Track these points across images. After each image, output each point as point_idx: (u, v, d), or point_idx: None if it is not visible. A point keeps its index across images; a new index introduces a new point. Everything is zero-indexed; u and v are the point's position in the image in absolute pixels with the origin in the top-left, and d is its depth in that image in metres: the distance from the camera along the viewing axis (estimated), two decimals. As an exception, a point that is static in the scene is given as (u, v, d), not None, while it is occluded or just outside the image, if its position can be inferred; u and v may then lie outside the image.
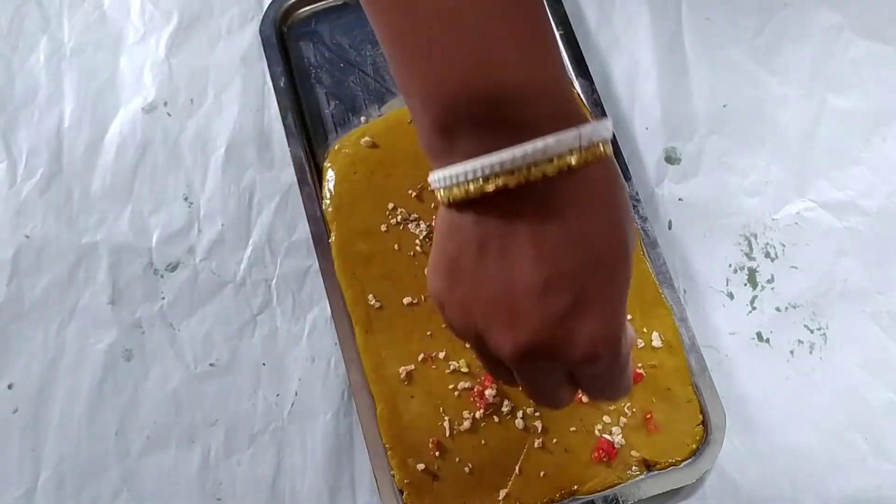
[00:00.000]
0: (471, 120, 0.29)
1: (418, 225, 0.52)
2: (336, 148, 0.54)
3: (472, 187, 0.29)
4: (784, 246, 0.53)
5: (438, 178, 0.31)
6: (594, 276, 0.30)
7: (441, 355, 0.49)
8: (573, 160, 0.29)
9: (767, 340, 0.51)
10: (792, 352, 0.51)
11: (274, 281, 0.53)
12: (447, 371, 0.49)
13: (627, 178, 0.53)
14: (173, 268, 0.53)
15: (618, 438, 0.48)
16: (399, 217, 0.52)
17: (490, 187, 0.29)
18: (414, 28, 0.29)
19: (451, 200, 0.30)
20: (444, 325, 0.50)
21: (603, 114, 0.55)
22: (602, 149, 0.30)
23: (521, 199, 0.29)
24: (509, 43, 0.29)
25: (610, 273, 0.31)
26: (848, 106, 0.56)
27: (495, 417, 0.48)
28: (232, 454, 0.50)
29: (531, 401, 0.38)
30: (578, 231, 0.30)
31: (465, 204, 0.30)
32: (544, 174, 0.28)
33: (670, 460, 0.48)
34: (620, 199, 0.31)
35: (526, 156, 0.28)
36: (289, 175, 0.55)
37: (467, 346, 0.36)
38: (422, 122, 0.31)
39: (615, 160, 0.31)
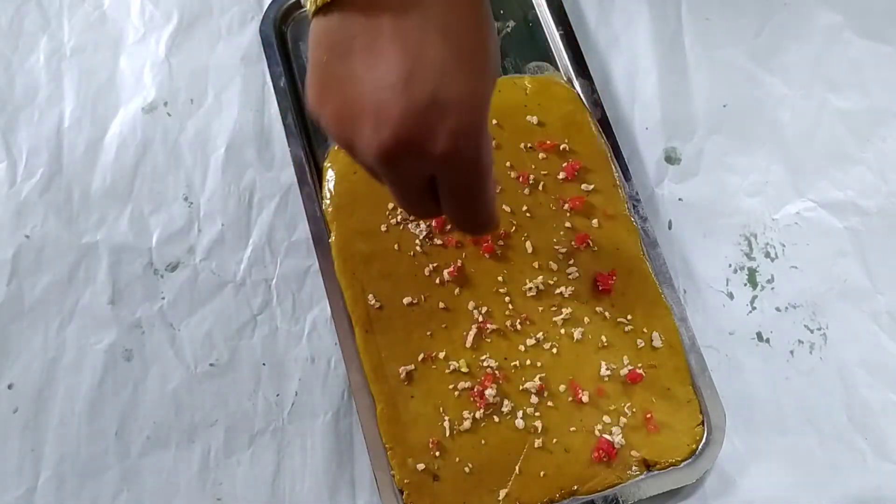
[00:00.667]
0: None
1: (418, 225, 0.52)
2: (336, 148, 0.54)
3: None
4: (784, 246, 0.53)
5: None
6: (456, 70, 0.31)
7: (441, 355, 0.49)
8: None
9: (767, 340, 0.51)
10: (792, 352, 0.51)
11: (274, 281, 0.53)
12: (447, 371, 0.49)
13: (627, 178, 0.53)
14: (173, 268, 0.53)
15: (618, 438, 0.48)
16: (399, 217, 0.52)
17: None
18: None
19: (317, 6, 0.31)
20: (444, 326, 0.50)
21: (603, 114, 0.55)
22: None
23: None
24: None
25: (471, 68, 0.31)
26: (848, 106, 0.56)
27: (495, 417, 0.48)
28: (232, 454, 0.50)
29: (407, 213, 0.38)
30: (441, 24, 0.30)
31: (329, 6, 0.31)
32: None
33: (670, 460, 0.48)
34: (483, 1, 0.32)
35: None
36: (289, 175, 0.55)
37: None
38: None
39: None
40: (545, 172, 0.53)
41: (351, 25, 0.31)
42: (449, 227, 0.52)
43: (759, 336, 0.52)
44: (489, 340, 0.50)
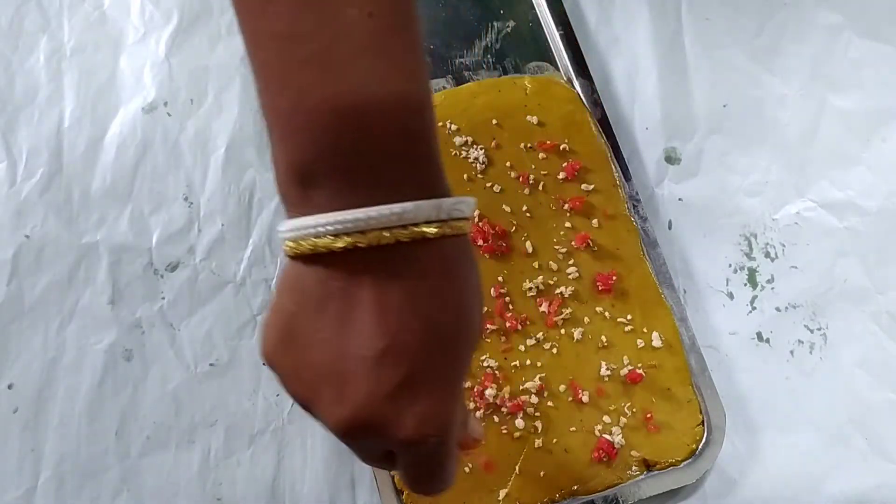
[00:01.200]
0: (330, 165, 0.27)
1: (418, 225, 0.52)
2: (336, 148, 0.54)
3: (320, 242, 0.28)
4: (784, 246, 0.53)
5: (288, 227, 0.29)
6: (433, 353, 0.29)
7: (441, 355, 0.49)
8: (430, 231, 0.28)
9: (767, 340, 0.51)
10: (792, 352, 0.51)
11: (274, 281, 0.53)
12: (447, 371, 0.49)
13: (627, 178, 0.53)
14: (173, 268, 0.53)
15: (618, 438, 0.48)
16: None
17: (339, 244, 0.27)
18: (272, 39, 0.29)
19: (297, 253, 0.29)
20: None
21: (603, 114, 0.55)
22: (460, 224, 0.29)
23: (370, 261, 0.28)
24: (377, 73, 0.27)
25: (449, 353, 0.30)
26: (848, 106, 0.56)
27: (495, 417, 0.48)
28: (232, 454, 0.50)
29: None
30: (424, 305, 0.29)
31: (311, 258, 0.28)
32: (398, 240, 0.27)
33: (670, 460, 0.48)
34: (472, 279, 0.30)
35: (382, 217, 0.27)
36: (289, 175, 0.54)
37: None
38: (279, 166, 0.29)
39: (470, 241, 0.31)
40: (545, 172, 0.53)
41: (329, 285, 0.29)
42: None
43: (759, 336, 0.52)
44: (489, 340, 0.50)
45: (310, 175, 0.28)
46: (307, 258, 0.29)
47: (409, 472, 0.33)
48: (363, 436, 0.30)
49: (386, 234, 0.27)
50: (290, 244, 0.29)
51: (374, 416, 0.29)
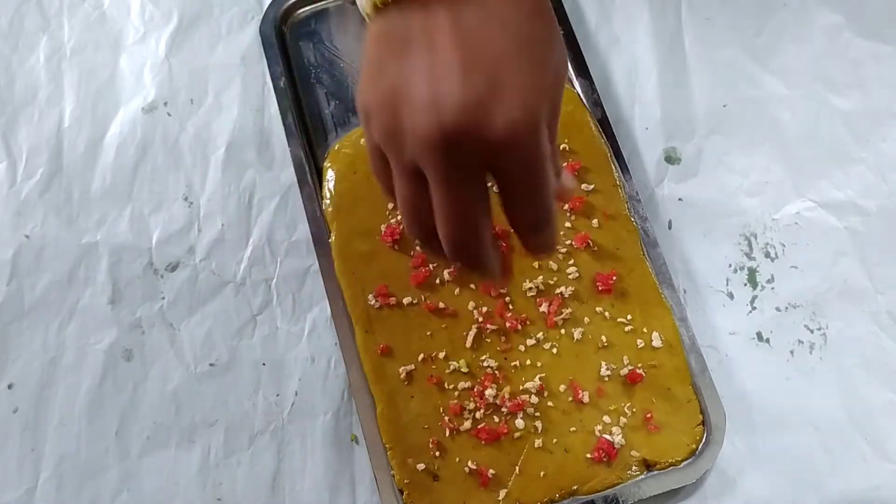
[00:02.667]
0: None
1: (418, 225, 0.52)
2: (336, 148, 0.54)
3: None
4: (784, 246, 0.53)
5: None
6: (515, 59, 0.31)
7: (441, 355, 0.49)
8: None
9: (767, 340, 0.51)
10: (792, 352, 0.51)
11: (274, 281, 0.53)
12: (447, 371, 0.49)
13: (627, 178, 0.53)
14: (173, 268, 0.53)
15: (618, 438, 0.48)
16: (399, 217, 0.52)
17: None
18: None
19: (378, 4, 0.31)
20: (444, 326, 0.50)
21: (603, 114, 0.55)
22: None
23: None
24: None
25: (532, 59, 0.31)
26: (848, 106, 0.56)
27: (495, 417, 0.48)
28: (232, 454, 0.50)
29: (450, 257, 0.35)
30: (500, 17, 0.31)
31: (390, 3, 0.31)
32: None
33: (670, 460, 0.48)
34: None
35: None
36: (289, 175, 0.55)
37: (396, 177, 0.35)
38: None
39: None
40: (545, 172, 0.53)
41: (409, 22, 0.31)
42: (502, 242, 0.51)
43: (759, 336, 0.52)
44: (489, 340, 0.50)
45: None
46: (385, 5, 0.31)
47: (509, 195, 0.34)
48: (458, 144, 0.31)
49: None
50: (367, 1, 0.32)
51: (466, 120, 0.30)
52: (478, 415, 0.48)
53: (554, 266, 0.51)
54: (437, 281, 0.51)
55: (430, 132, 0.30)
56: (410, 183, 0.33)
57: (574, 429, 0.48)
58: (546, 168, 0.33)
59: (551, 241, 0.36)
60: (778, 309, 0.52)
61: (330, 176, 0.53)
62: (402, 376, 0.49)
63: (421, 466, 0.47)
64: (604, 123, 0.54)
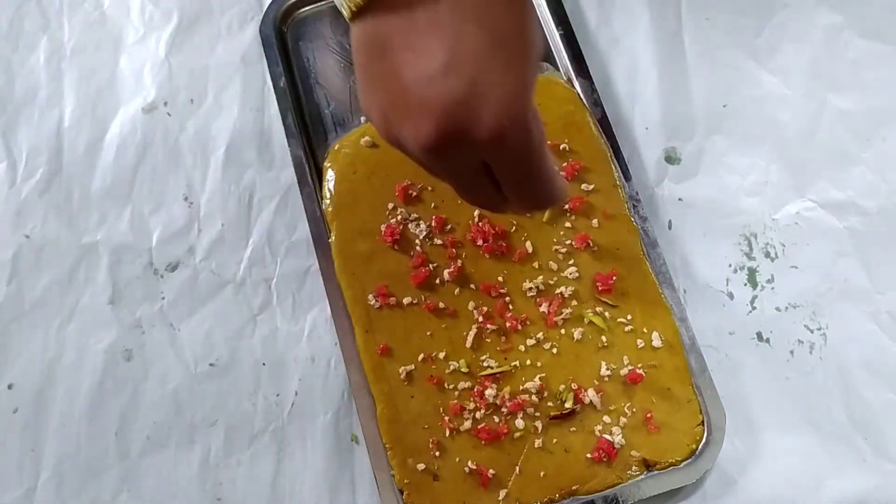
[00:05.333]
0: None
1: (418, 225, 0.52)
2: (336, 148, 0.54)
3: None
4: (784, 246, 0.53)
5: None
6: (494, 56, 0.31)
7: (441, 355, 0.49)
8: None
9: (767, 340, 0.51)
10: (792, 352, 0.51)
11: (274, 281, 0.53)
12: (447, 371, 0.49)
13: (627, 178, 0.53)
14: (173, 268, 0.53)
15: (618, 438, 0.48)
16: (399, 217, 0.52)
17: None
18: None
19: (353, 9, 0.32)
20: (444, 326, 0.50)
21: (603, 114, 0.55)
22: None
23: None
24: None
25: (510, 53, 0.31)
26: (848, 106, 0.56)
27: (495, 417, 0.48)
28: (232, 454, 0.50)
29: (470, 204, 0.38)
30: (475, 12, 0.31)
31: (366, 7, 0.32)
32: None
33: (670, 460, 0.48)
34: None
35: None
36: (289, 175, 0.55)
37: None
38: None
39: None
40: (545, 172, 0.53)
41: (386, 25, 0.32)
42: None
43: (759, 336, 0.52)
44: (489, 340, 0.50)
45: None
46: (363, 8, 0.32)
47: (509, 183, 0.34)
48: (449, 148, 0.31)
49: None
50: (347, 5, 0.32)
51: (453, 122, 0.31)
52: (478, 415, 0.48)
53: (554, 266, 0.51)
54: (437, 281, 0.51)
55: (421, 139, 0.31)
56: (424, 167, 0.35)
57: (574, 429, 0.48)
58: (541, 152, 0.34)
59: (558, 199, 0.37)
60: (778, 309, 0.52)
61: (330, 176, 0.53)
62: (402, 376, 0.49)
63: (421, 466, 0.47)
64: (604, 123, 0.54)
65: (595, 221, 0.52)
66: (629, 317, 0.50)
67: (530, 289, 0.51)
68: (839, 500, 0.48)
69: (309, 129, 0.55)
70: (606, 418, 0.48)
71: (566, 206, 0.52)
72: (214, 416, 0.50)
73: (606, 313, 0.50)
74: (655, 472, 0.48)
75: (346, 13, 0.32)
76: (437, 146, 0.31)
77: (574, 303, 0.50)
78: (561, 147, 0.53)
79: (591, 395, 0.48)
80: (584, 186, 0.52)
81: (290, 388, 0.51)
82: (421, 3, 0.31)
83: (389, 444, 0.48)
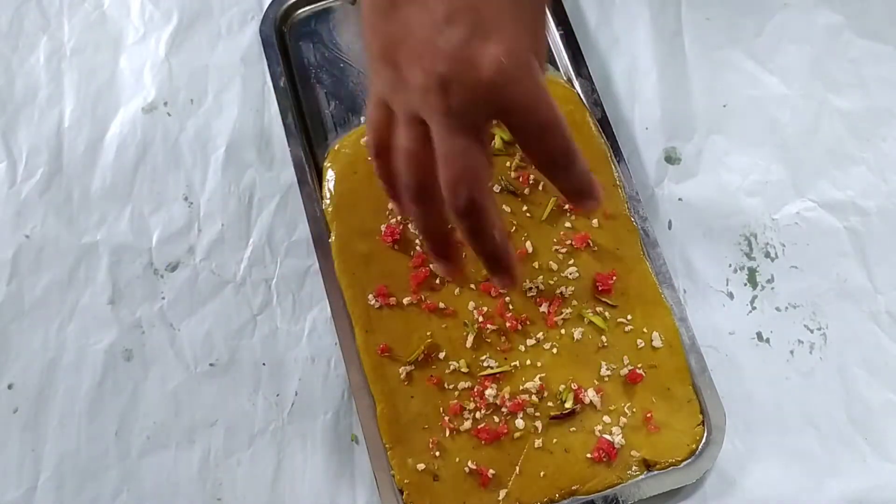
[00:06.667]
0: None
1: (418, 225, 0.52)
2: (336, 148, 0.54)
3: None
4: (784, 246, 0.53)
5: None
6: (491, 3, 0.33)
7: (441, 355, 0.49)
8: None
9: (767, 340, 0.51)
10: (792, 352, 0.51)
11: (274, 281, 0.53)
12: (447, 371, 0.49)
13: (627, 178, 0.53)
14: (173, 268, 0.53)
15: (618, 438, 0.48)
16: (399, 217, 0.52)
17: None
18: None
19: None
20: (444, 326, 0.50)
21: (603, 114, 0.55)
22: None
23: None
24: None
25: (512, 2, 0.34)
26: (848, 106, 0.56)
27: (495, 417, 0.48)
28: (232, 454, 0.50)
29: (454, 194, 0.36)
30: None
31: None
32: None
33: (670, 460, 0.48)
34: None
35: None
36: (289, 175, 0.55)
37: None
38: None
39: None
40: (545, 172, 0.53)
41: None
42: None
43: (759, 336, 0.52)
44: (489, 340, 0.50)
45: None
46: None
47: (521, 131, 0.36)
48: (453, 88, 0.33)
49: None
50: None
51: (456, 66, 0.32)
52: (478, 415, 0.48)
53: (554, 266, 0.51)
54: (437, 281, 0.51)
55: (427, 79, 0.33)
56: (413, 130, 0.35)
57: (574, 429, 0.48)
58: (550, 101, 0.35)
59: (586, 182, 0.38)
60: (778, 309, 0.52)
61: (330, 176, 0.53)
62: (402, 376, 0.49)
63: (421, 466, 0.47)
64: (604, 123, 0.54)
65: (595, 221, 0.52)
66: (629, 317, 0.50)
67: (530, 289, 0.51)
68: (839, 500, 0.48)
69: (309, 129, 0.55)
70: (606, 418, 0.48)
71: (566, 206, 0.52)
72: (214, 416, 0.50)
73: (606, 313, 0.50)
74: (655, 472, 0.48)
75: None
76: (441, 86, 0.32)
77: (574, 303, 0.50)
78: (561, 147, 0.53)
79: (591, 395, 0.48)
80: (584, 186, 0.52)
81: (290, 388, 0.51)
82: None
83: (389, 444, 0.48)
